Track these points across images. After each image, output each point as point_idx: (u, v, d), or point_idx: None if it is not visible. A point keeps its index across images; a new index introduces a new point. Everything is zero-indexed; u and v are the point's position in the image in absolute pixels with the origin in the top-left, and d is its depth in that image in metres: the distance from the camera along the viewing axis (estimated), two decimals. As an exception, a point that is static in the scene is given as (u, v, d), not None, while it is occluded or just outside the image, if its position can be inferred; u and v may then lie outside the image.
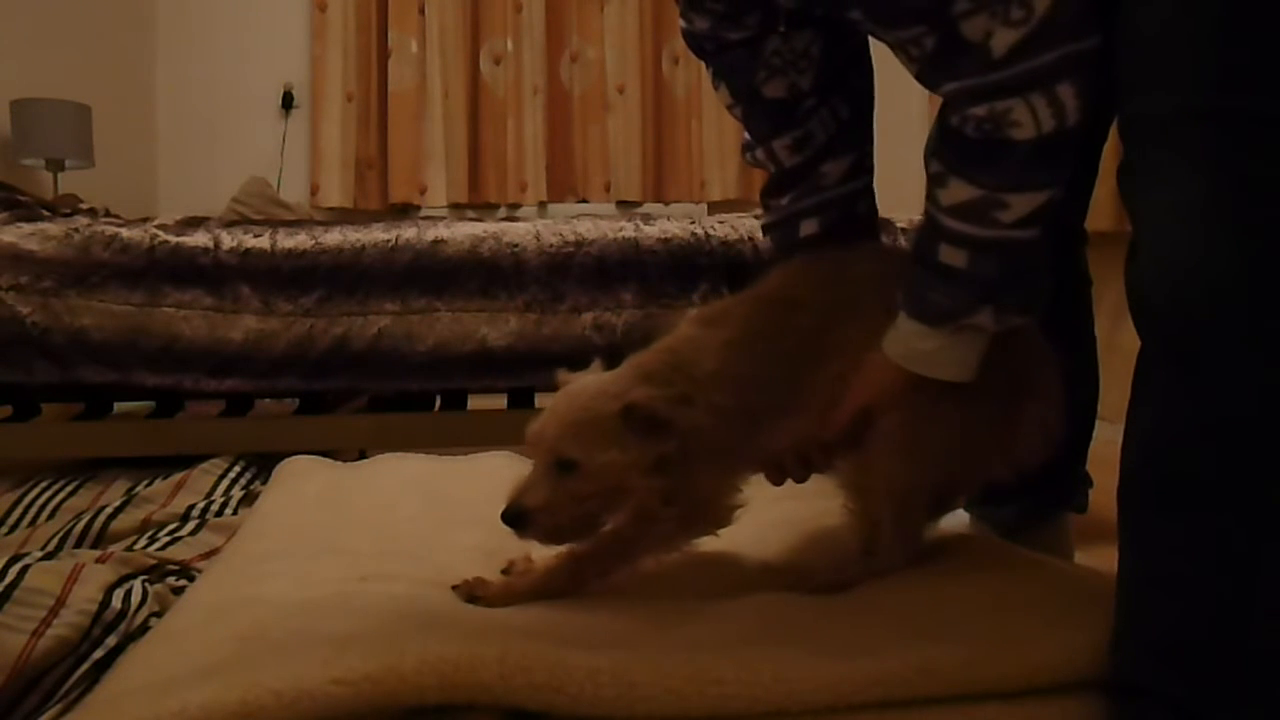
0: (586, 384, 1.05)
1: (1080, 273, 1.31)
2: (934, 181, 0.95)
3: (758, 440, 1.06)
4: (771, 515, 1.36)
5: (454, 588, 1.03)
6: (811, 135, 1.16)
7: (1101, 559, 1.15)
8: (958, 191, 0.92)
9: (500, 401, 2.05)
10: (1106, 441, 1.23)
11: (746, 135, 1.21)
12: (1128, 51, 0.82)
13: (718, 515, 1.08)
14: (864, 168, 1.20)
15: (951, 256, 0.94)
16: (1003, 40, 0.84)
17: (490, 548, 1.24)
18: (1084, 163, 1.27)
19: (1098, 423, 1.34)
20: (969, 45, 0.86)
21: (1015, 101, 0.85)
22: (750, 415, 1.04)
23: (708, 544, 1.21)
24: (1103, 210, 2.57)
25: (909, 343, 0.99)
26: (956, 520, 1.41)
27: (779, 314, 1.07)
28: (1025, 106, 0.85)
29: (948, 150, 0.93)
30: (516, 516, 0.99)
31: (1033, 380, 1.06)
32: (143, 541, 1.44)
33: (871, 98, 1.20)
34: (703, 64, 1.21)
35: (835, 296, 1.07)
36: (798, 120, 1.15)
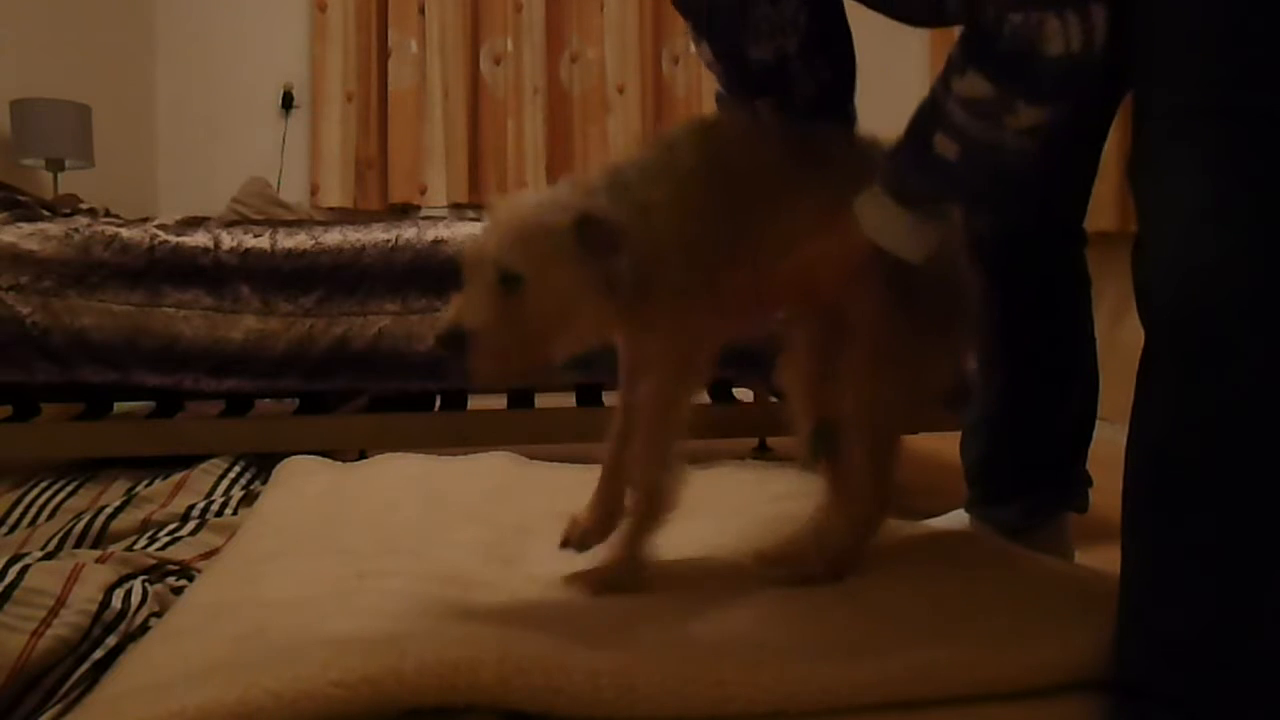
0: (527, 198, 0.99)
1: (1080, 273, 1.31)
2: (951, 67, 0.93)
3: (711, 279, 1.02)
4: (770, 513, 1.36)
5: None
6: (794, 98, 1.16)
7: (1102, 559, 1.15)
8: (975, 85, 0.90)
9: (500, 401, 2.05)
10: (1107, 441, 1.24)
11: (720, 88, 1.21)
12: (1144, 46, 0.82)
13: (692, 361, 1.05)
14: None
15: (945, 147, 0.93)
16: None
17: (489, 541, 1.24)
18: (1084, 164, 1.27)
19: (1098, 423, 1.34)
20: None
21: (1050, 15, 0.84)
22: (701, 249, 1.01)
23: (707, 544, 1.21)
24: (1104, 210, 2.57)
25: (878, 210, 0.98)
26: (957, 520, 1.41)
27: (737, 156, 1.05)
28: (1059, 21, 0.84)
29: (976, 44, 0.91)
30: (454, 337, 0.91)
31: (965, 304, 1.09)
32: (143, 541, 1.44)
33: (853, 60, 1.20)
34: (702, 63, 1.21)
35: (799, 164, 1.06)
36: (782, 83, 1.15)
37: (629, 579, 1.04)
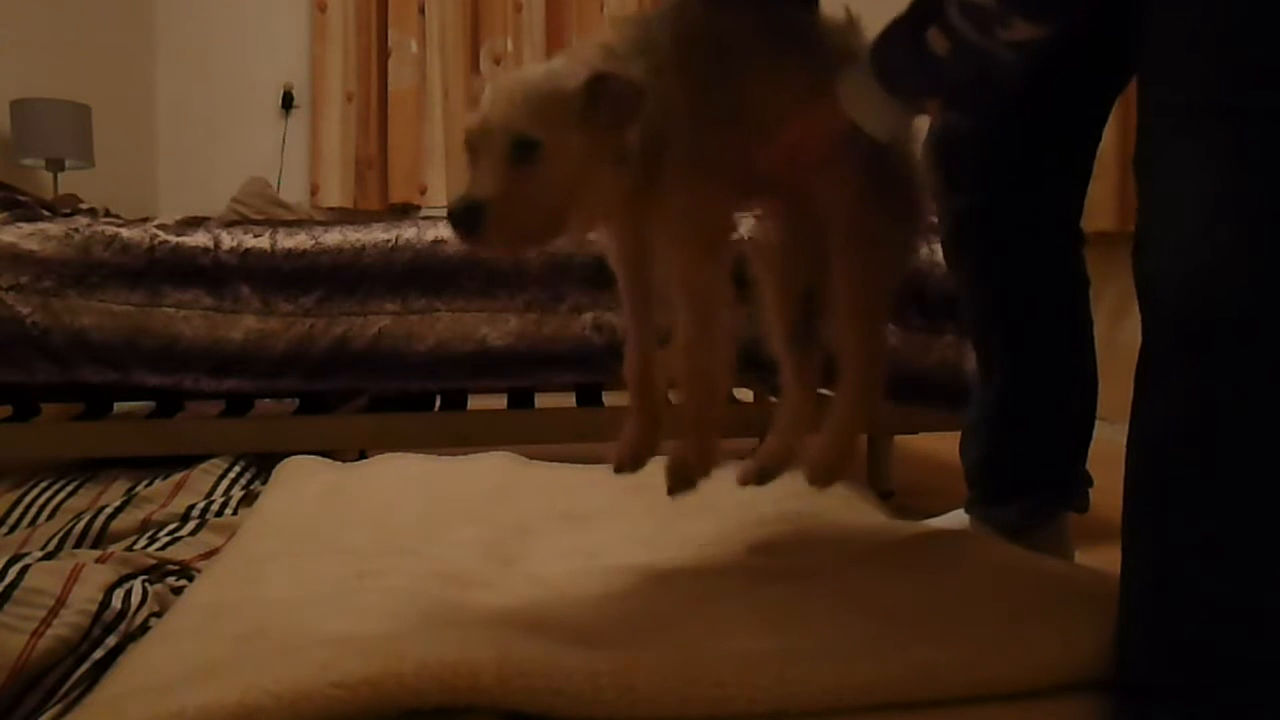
0: (529, 68, 0.96)
1: (1079, 273, 1.31)
2: None
3: (714, 146, 1.01)
4: (771, 513, 1.36)
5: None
6: None
7: (1102, 559, 1.15)
8: None
9: (500, 401, 2.05)
10: (1107, 441, 1.24)
11: None
12: (1147, 43, 0.82)
13: (714, 233, 1.03)
14: None
15: (936, 42, 0.94)
16: None
17: (489, 541, 1.24)
18: (1080, 162, 1.27)
19: (1098, 423, 1.34)
20: None
21: None
22: (700, 115, 0.99)
23: (707, 544, 1.21)
24: (1103, 210, 2.57)
25: (860, 88, 0.99)
26: (957, 520, 1.41)
27: (712, 31, 1.04)
28: None
29: None
30: (468, 212, 0.86)
31: (923, 200, 1.15)
32: (143, 541, 1.44)
33: None
34: None
35: (771, 40, 1.06)
36: None
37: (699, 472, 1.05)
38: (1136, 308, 0.82)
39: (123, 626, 1.04)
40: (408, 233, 1.94)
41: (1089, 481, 1.38)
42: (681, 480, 1.06)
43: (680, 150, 0.99)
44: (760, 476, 1.18)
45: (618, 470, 1.11)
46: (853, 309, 1.10)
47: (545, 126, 0.88)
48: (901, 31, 0.97)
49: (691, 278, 1.02)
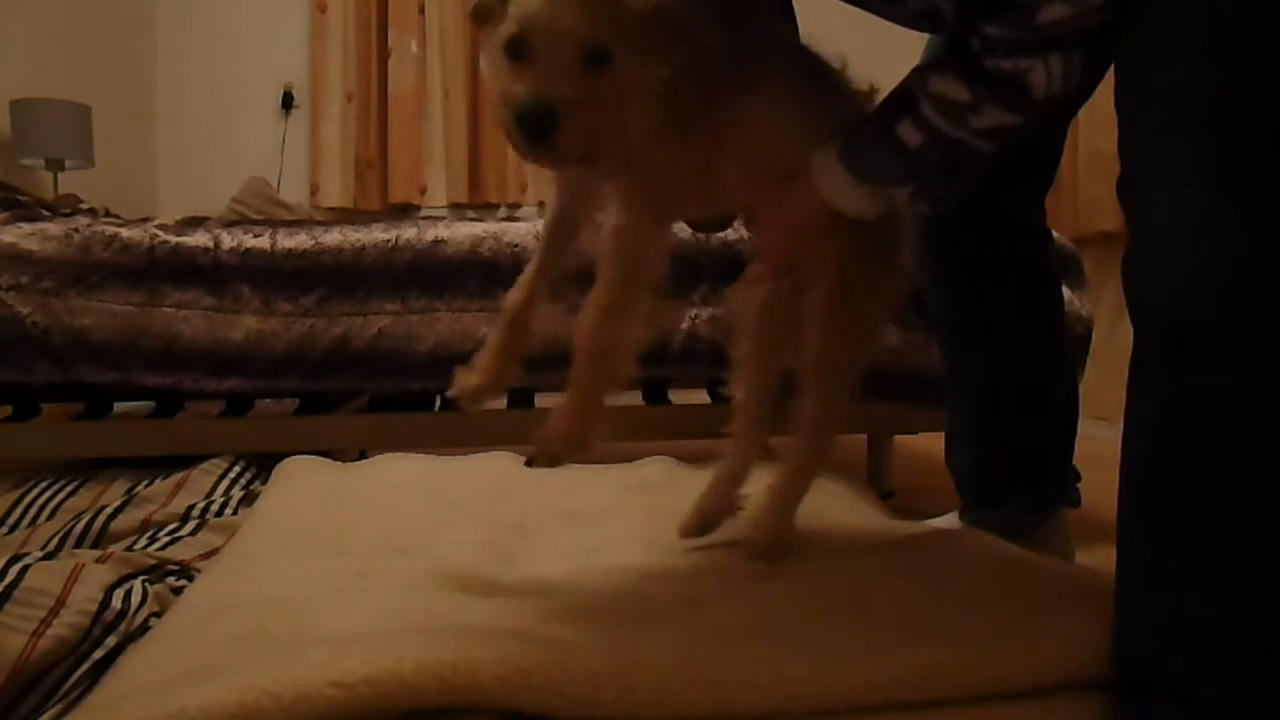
0: None
1: (1052, 270, 1.33)
2: (933, 64, 0.95)
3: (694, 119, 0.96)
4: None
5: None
6: None
7: (1100, 558, 1.15)
8: (952, 88, 0.92)
9: (500, 401, 2.05)
10: (1106, 441, 1.24)
11: None
12: (1131, 63, 0.85)
13: (666, 193, 0.98)
14: None
15: (908, 134, 0.95)
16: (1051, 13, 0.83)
17: (489, 541, 1.24)
18: (1046, 167, 1.29)
19: (1098, 423, 1.34)
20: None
21: (1038, 63, 0.87)
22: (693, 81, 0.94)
23: (707, 544, 1.21)
24: (1103, 210, 2.58)
25: (832, 175, 1.01)
26: (956, 520, 1.41)
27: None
28: (1044, 67, 0.88)
29: (963, 59, 0.92)
30: (541, 114, 0.80)
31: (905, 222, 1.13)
32: (143, 541, 1.44)
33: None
34: None
35: (746, 38, 1.01)
36: None
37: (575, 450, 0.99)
38: (1136, 309, 0.83)
39: (123, 626, 1.04)
40: (408, 233, 1.94)
41: (1077, 477, 1.39)
42: (548, 457, 0.99)
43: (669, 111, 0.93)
44: (704, 528, 1.21)
45: (454, 396, 1.07)
46: (815, 378, 1.08)
47: (616, 37, 0.84)
48: (872, 131, 0.99)
49: (628, 236, 0.95)
